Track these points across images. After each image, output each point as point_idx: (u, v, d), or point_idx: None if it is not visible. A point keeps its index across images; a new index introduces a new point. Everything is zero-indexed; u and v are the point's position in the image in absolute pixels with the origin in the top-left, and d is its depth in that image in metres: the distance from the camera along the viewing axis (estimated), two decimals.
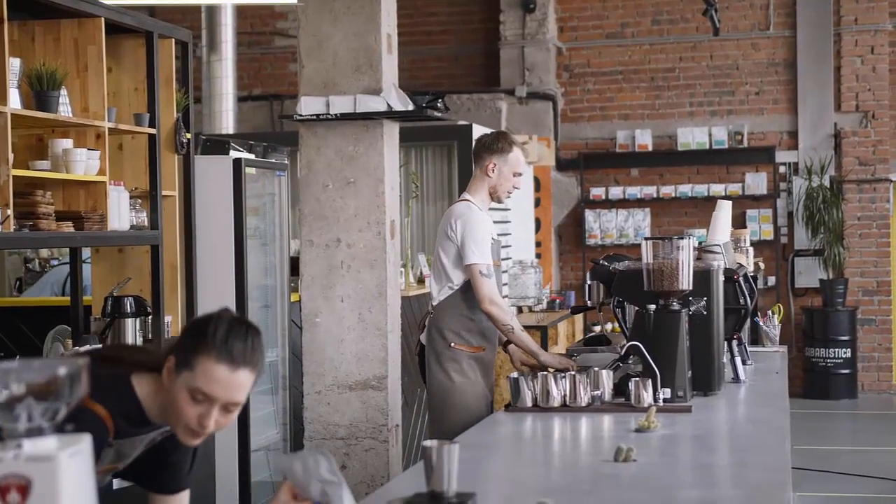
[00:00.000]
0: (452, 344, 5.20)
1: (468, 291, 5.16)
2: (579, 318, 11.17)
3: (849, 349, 12.25)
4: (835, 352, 12.23)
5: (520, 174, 5.32)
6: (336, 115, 5.72)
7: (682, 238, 4.44)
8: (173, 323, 5.80)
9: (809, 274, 12.59)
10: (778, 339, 6.42)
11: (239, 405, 2.63)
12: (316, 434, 5.76)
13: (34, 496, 1.70)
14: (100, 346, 4.77)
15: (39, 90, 4.80)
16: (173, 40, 5.87)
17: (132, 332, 5.41)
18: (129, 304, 5.42)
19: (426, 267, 8.33)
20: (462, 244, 5.13)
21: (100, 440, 2.61)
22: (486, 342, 5.26)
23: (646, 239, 4.48)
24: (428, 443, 2.74)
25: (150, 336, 5.59)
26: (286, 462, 2.54)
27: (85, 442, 1.77)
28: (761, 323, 6.34)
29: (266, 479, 6.71)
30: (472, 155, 5.42)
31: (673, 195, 12.76)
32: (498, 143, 5.30)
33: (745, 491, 2.97)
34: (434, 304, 5.31)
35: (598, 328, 11.58)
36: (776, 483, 2.98)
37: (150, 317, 5.57)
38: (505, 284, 9.94)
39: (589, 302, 5.16)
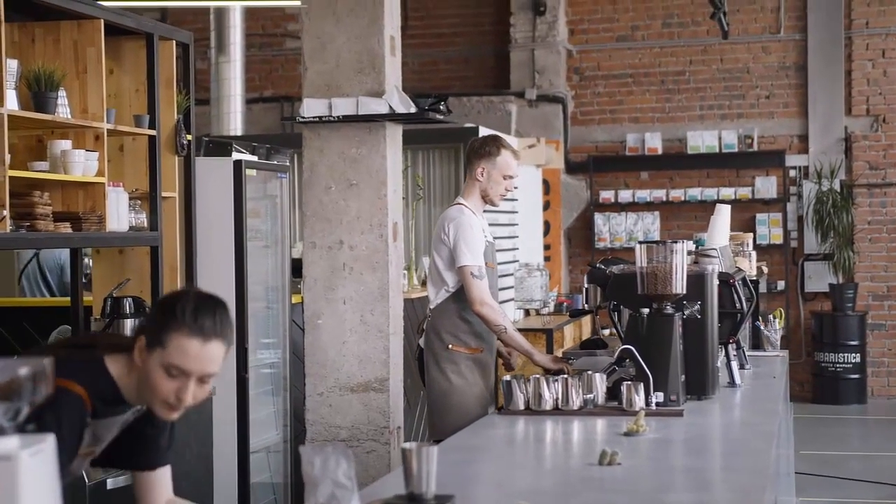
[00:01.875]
0: (450, 346, 5.25)
1: (463, 293, 5.20)
2: (587, 321, 11.16)
3: (858, 354, 12.21)
4: (844, 356, 12.19)
5: (510, 177, 5.35)
6: (338, 117, 5.73)
7: (677, 242, 4.44)
8: None
9: (819, 278, 12.55)
10: (779, 343, 6.39)
11: (213, 376, 2.70)
12: (317, 436, 5.77)
13: None
14: (72, 335, 4.83)
15: (37, 91, 4.82)
16: (174, 42, 5.89)
17: (130, 332, 5.43)
18: (128, 305, 5.44)
19: None
20: (454, 247, 5.19)
21: (80, 417, 2.68)
22: (483, 343, 5.29)
23: (640, 243, 4.48)
24: (407, 445, 2.75)
25: None
26: (308, 454, 2.56)
27: (47, 442, 1.79)
28: (762, 327, 6.32)
29: (266, 480, 6.72)
30: (465, 159, 5.46)
31: (683, 199, 12.74)
32: (486, 146, 5.35)
33: (724, 495, 2.97)
34: (431, 307, 5.36)
35: (607, 332, 11.56)
36: (756, 487, 2.98)
37: None
38: (510, 288, 9.95)
39: (586, 305, 5.17)
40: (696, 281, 4.54)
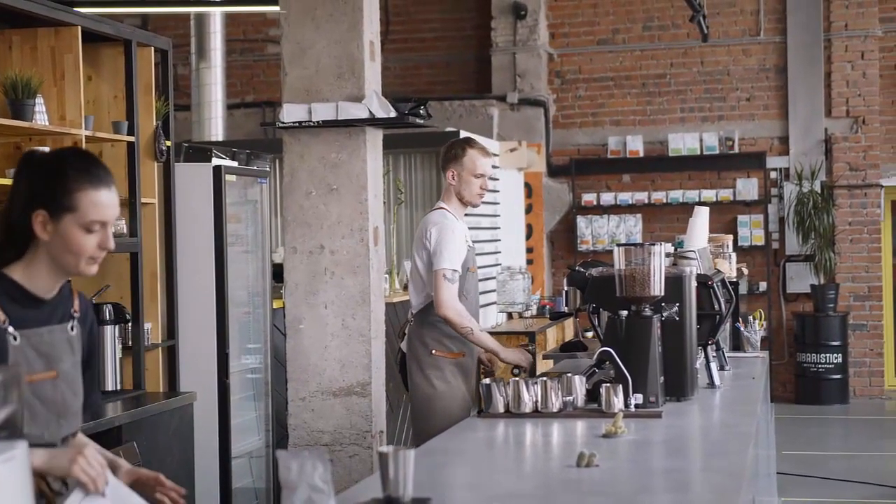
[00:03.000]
0: (434, 351, 5.26)
1: None
2: (570, 323, 11.18)
3: (840, 354, 12.26)
4: (826, 357, 12.23)
5: (481, 175, 5.37)
6: (318, 122, 5.74)
7: (655, 244, 4.45)
8: (153, 330, 5.81)
9: (801, 279, 12.60)
10: (759, 344, 6.41)
11: (118, 220, 2.80)
12: (300, 440, 5.77)
13: None
14: None
15: (14, 99, 4.81)
16: (153, 48, 5.89)
17: (111, 339, 5.41)
18: (108, 312, 5.43)
19: None
20: (433, 250, 5.23)
21: None
22: (465, 348, 5.31)
23: (618, 245, 4.49)
24: (383, 448, 2.76)
25: (129, 343, 5.61)
26: (285, 458, 2.59)
27: (20, 449, 1.79)
28: (742, 329, 6.34)
29: (248, 485, 6.72)
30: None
31: (664, 201, 12.78)
32: (452, 150, 5.42)
33: (701, 496, 2.98)
34: (413, 311, 5.36)
35: (590, 334, 11.57)
36: (732, 487, 2.99)
37: (129, 324, 5.59)
38: (493, 291, 9.96)
39: (566, 308, 5.19)
40: (675, 283, 4.55)
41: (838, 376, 12.28)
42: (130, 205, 5.62)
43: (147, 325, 5.72)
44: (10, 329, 2.68)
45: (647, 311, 4.43)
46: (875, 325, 12.63)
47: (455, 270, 5.18)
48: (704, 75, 12.92)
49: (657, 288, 4.41)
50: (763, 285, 12.56)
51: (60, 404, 2.77)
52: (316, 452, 2.65)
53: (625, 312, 4.42)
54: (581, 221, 12.94)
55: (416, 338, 5.33)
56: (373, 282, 5.80)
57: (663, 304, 4.51)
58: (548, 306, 10.93)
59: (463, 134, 10.01)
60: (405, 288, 8.24)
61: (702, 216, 5.60)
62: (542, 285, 12.40)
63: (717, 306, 5.00)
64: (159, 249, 5.93)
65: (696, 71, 12.95)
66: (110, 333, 5.43)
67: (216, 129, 10.69)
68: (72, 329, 2.83)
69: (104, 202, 2.71)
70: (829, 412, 11.98)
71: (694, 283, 4.70)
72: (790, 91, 12.69)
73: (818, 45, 12.62)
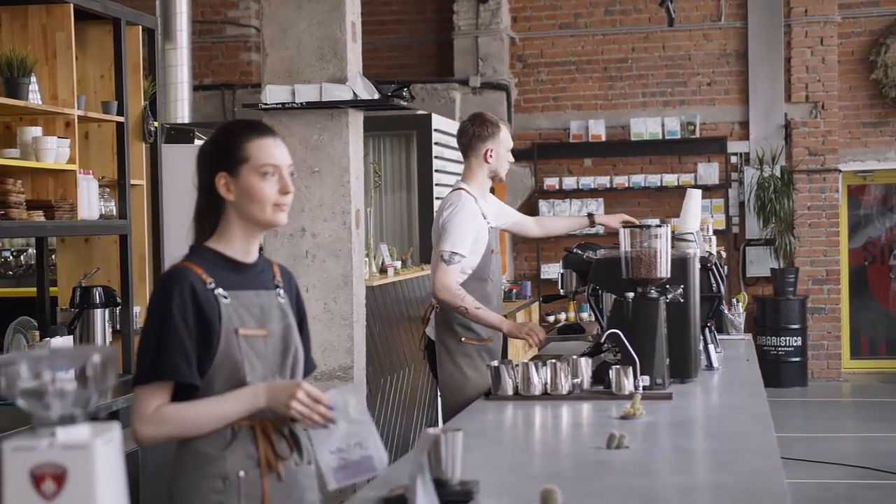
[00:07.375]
0: (463, 339, 5.15)
1: (473, 283, 5.10)
2: (535, 307, 11.21)
3: (799, 337, 12.40)
4: (785, 340, 12.37)
5: (510, 148, 5.39)
6: (301, 103, 5.68)
7: (660, 226, 4.46)
8: (142, 313, 5.73)
9: (760, 263, 12.72)
10: (742, 327, 6.47)
11: (292, 168, 2.93)
12: None
13: (69, 485, 1.68)
14: None
15: (9, 77, 4.72)
16: (140, 27, 5.80)
17: (101, 322, 5.34)
18: (97, 295, 5.35)
19: (388, 256, 8.31)
20: (442, 228, 5.10)
21: (189, 282, 2.80)
22: (492, 332, 5.21)
23: (624, 226, 4.50)
24: (432, 430, 2.73)
25: (118, 327, 5.53)
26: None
27: (116, 430, 1.75)
28: (726, 311, 6.39)
29: None
30: (460, 146, 5.36)
31: (626, 185, 12.82)
32: (487, 128, 5.28)
33: (743, 476, 2.97)
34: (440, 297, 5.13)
35: (563, 316, 11.63)
36: (772, 468, 3.00)
37: (118, 307, 5.51)
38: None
39: (562, 291, 5.16)
40: (679, 265, 4.57)
41: (797, 359, 12.43)
42: (120, 186, 5.53)
43: (136, 309, 5.64)
44: (220, 290, 2.83)
45: (654, 293, 4.43)
46: (833, 309, 12.79)
47: (454, 253, 5.04)
48: (666, 60, 12.98)
49: (663, 270, 4.41)
50: (724, 269, 12.65)
51: (273, 360, 2.88)
52: (342, 388, 2.69)
53: (631, 294, 4.42)
54: (543, 205, 12.96)
55: (444, 325, 5.17)
56: (355, 265, 5.77)
57: (667, 286, 4.51)
58: (514, 290, 10.96)
59: (436, 118, 10.00)
60: (382, 271, 8.19)
61: (695, 199, 5.61)
62: (504, 270, 12.42)
63: (715, 287, 5.03)
64: (147, 231, 5.85)
65: (658, 55, 13.00)
66: (100, 317, 5.35)
67: (182, 111, 10.54)
68: (280, 297, 2.96)
69: (272, 147, 2.88)
70: (789, 394, 12.12)
71: (697, 265, 4.72)
72: (751, 76, 12.78)
73: (778, 30, 12.72)
